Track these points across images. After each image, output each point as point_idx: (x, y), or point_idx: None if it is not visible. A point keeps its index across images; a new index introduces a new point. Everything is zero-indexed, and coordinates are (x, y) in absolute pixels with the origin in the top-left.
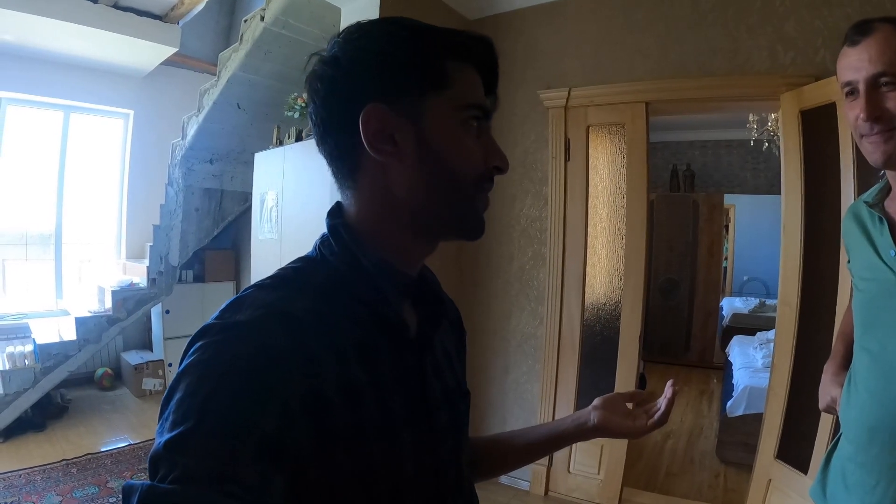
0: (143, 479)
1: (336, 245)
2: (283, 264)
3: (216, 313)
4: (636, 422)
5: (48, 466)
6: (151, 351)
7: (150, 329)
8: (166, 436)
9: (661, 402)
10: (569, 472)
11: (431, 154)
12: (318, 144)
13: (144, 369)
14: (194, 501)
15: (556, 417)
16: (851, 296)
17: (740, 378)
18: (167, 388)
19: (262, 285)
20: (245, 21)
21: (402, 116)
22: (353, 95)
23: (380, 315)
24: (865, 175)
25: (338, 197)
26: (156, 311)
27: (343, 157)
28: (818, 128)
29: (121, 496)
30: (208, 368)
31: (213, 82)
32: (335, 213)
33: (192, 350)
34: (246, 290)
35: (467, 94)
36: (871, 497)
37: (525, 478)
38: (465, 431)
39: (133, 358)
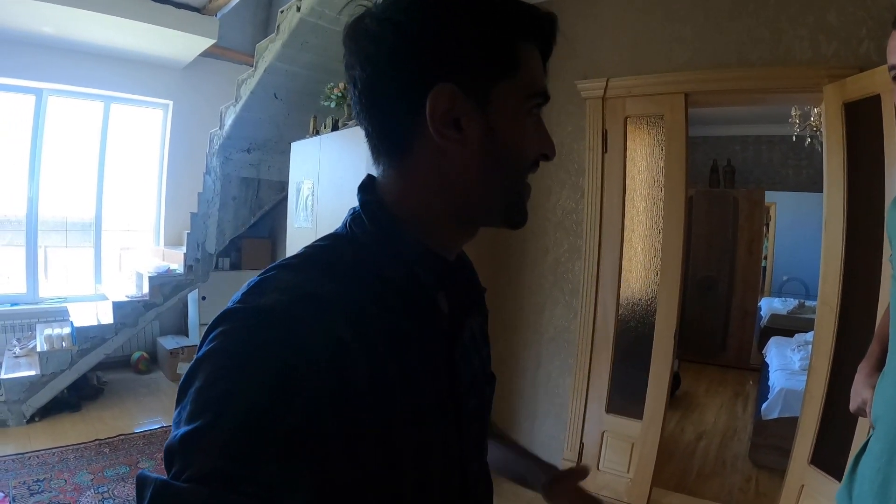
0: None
1: (369, 222)
2: None
3: (237, 296)
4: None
5: (81, 445)
6: (187, 336)
7: (186, 315)
8: (183, 429)
9: None
10: (598, 469)
11: (497, 143)
12: (361, 113)
13: (180, 354)
14: (208, 502)
15: (587, 414)
16: (892, 294)
17: (776, 380)
18: (185, 374)
19: (286, 265)
20: (282, 12)
21: (471, 100)
22: (420, 70)
23: (411, 299)
24: None
25: None
26: (192, 298)
27: (394, 134)
28: (862, 121)
29: (135, 486)
30: (228, 358)
31: (251, 73)
32: (368, 188)
33: (211, 336)
34: (269, 269)
35: (536, 82)
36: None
37: None
38: (489, 418)
39: (169, 343)
